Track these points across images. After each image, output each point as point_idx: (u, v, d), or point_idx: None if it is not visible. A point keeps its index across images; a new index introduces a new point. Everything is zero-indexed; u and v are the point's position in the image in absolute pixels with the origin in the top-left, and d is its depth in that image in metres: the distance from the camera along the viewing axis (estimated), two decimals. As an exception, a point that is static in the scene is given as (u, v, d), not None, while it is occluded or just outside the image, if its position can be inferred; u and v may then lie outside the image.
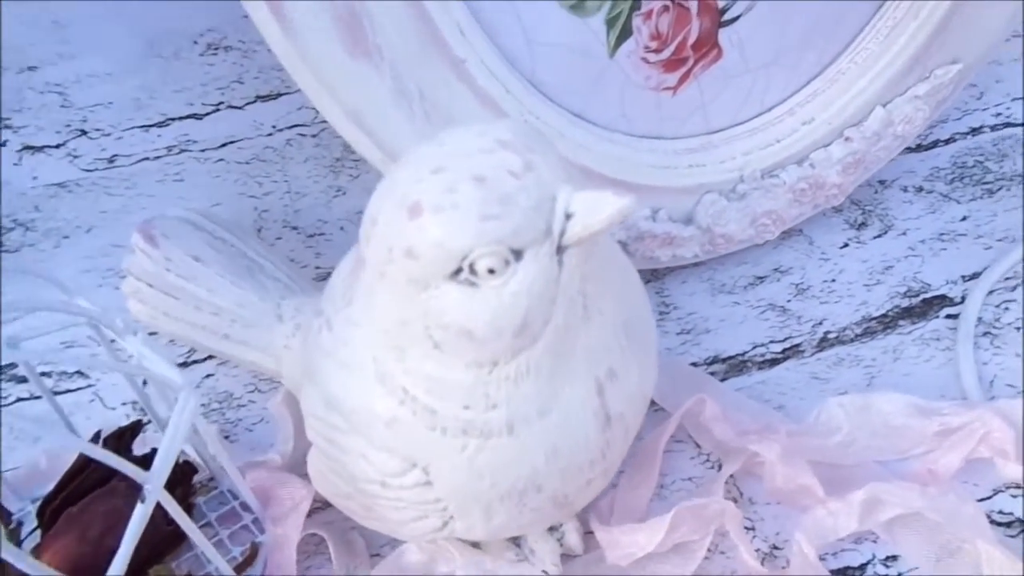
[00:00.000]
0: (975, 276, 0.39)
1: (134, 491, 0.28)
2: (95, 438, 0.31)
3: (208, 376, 0.38)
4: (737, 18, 0.34)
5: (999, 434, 0.30)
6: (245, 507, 0.33)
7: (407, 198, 0.21)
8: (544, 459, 0.24)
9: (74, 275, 0.37)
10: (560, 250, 0.22)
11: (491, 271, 0.21)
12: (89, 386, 0.37)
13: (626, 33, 0.33)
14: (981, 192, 0.42)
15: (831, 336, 0.37)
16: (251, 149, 0.38)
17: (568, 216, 0.21)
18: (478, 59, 0.30)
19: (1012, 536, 0.30)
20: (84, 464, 0.30)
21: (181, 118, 0.37)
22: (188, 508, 0.31)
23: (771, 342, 0.37)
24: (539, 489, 0.24)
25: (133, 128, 0.37)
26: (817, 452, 0.31)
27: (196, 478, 0.33)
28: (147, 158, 0.38)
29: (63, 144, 0.37)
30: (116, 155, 0.38)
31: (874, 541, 0.31)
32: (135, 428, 0.32)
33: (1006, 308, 0.37)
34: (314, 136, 0.38)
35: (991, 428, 0.31)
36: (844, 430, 0.32)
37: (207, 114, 0.37)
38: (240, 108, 0.37)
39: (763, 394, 0.35)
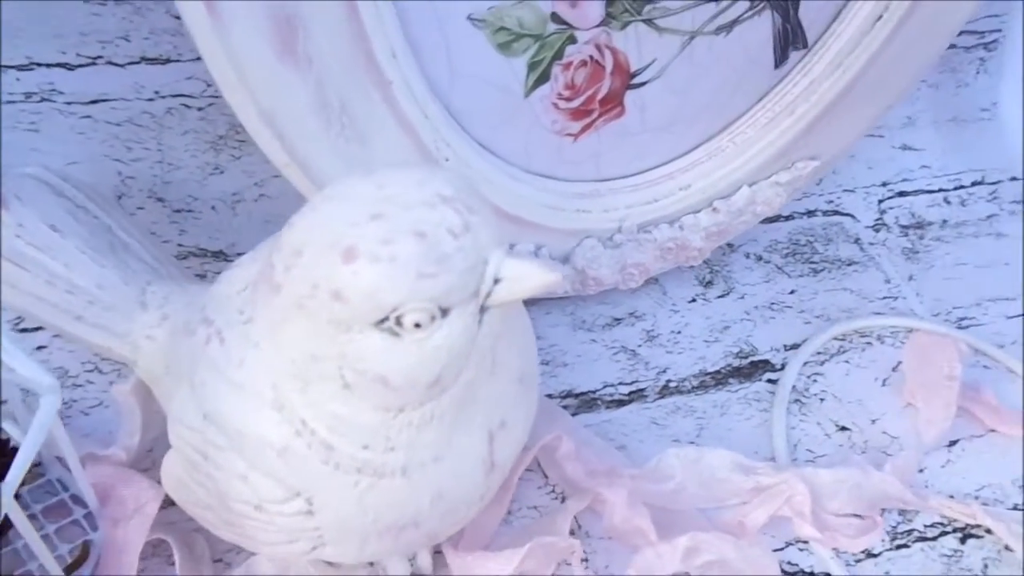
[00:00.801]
0: (794, 347, 0.44)
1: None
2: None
3: (40, 348, 0.35)
4: (645, 83, 0.36)
5: (800, 497, 0.35)
6: (76, 500, 0.31)
7: (341, 240, 0.21)
8: (429, 502, 0.24)
9: None
10: (482, 309, 0.23)
11: (417, 325, 0.21)
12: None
13: (544, 78, 0.34)
14: (808, 270, 0.48)
15: (671, 385, 0.41)
16: (126, 112, 0.35)
17: (496, 280, 0.22)
18: (404, 82, 0.30)
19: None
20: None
21: (49, 65, 0.33)
22: None
23: (620, 383, 0.40)
24: (417, 526, 0.25)
25: None
26: (653, 496, 0.34)
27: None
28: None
29: None
30: (-31, 91, 0.33)
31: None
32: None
33: (814, 380, 0.43)
34: (200, 110, 0.36)
35: (795, 491, 0.35)
36: (677, 478, 0.35)
37: (80, 66, 0.33)
38: (121, 66, 0.34)
39: (608, 432, 0.38)
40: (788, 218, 0.50)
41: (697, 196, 0.40)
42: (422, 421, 0.23)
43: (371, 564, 0.31)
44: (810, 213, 0.51)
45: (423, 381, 0.22)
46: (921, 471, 0.39)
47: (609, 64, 0.35)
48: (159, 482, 0.29)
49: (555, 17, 0.32)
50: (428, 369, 0.22)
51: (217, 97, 0.36)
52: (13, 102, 0.34)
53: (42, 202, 0.31)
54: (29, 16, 0.31)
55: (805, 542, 0.36)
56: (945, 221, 0.53)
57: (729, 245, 0.47)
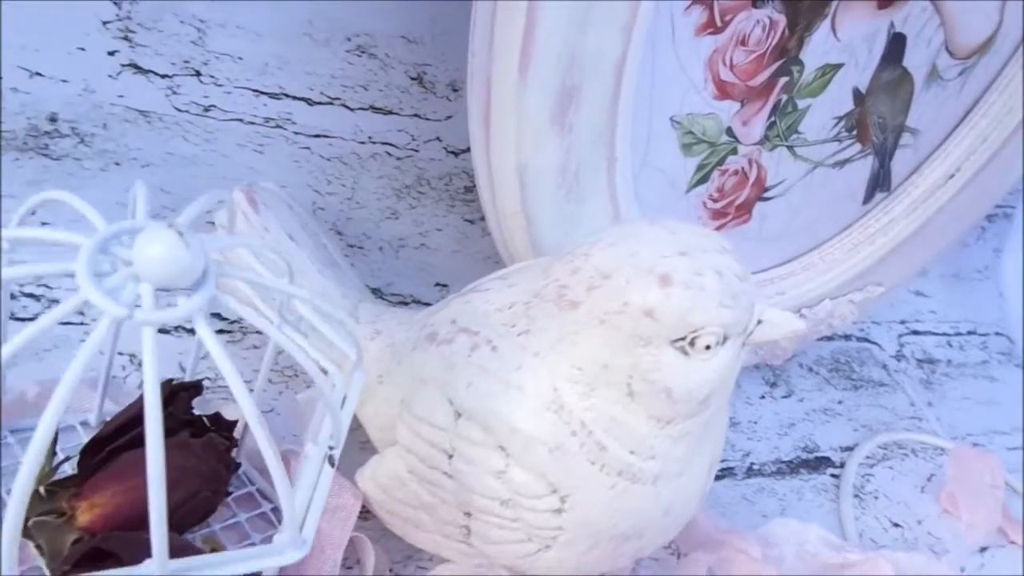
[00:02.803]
0: (848, 448, 0.49)
1: (208, 450, 0.27)
2: (164, 385, 0.29)
3: (203, 357, 0.36)
4: (771, 198, 0.42)
5: (884, 573, 0.39)
6: (263, 495, 0.32)
7: (657, 267, 0.25)
8: (662, 513, 0.28)
9: (104, 204, 0.34)
10: (743, 345, 0.27)
11: (707, 347, 0.25)
12: (82, 324, 0.34)
13: (704, 179, 0.40)
14: (849, 385, 0.54)
15: (755, 467, 0.45)
16: (340, 148, 0.38)
17: (759, 322, 0.27)
18: (624, 162, 0.35)
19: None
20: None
21: (294, 97, 0.36)
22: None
23: (713, 460, 0.44)
24: (640, 537, 0.28)
25: (245, 89, 0.36)
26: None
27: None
28: (241, 119, 0.36)
29: (170, 76, 0.34)
30: (214, 106, 0.36)
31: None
32: (198, 387, 0.30)
33: (868, 479, 0.48)
34: (398, 159, 0.40)
35: (881, 569, 0.39)
36: (780, 547, 0.39)
37: (320, 103, 0.37)
38: (351, 110, 0.38)
39: (709, 503, 0.42)
40: (830, 339, 0.57)
41: (789, 302, 0.46)
42: (680, 435, 0.27)
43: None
44: (847, 338, 0.58)
45: (698, 397, 0.26)
46: (962, 569, 0.44)
47: (753, 176, 0.41)
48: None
49: (729, 131, 0.38)
50: (705, 387, 0.26)
51: (415, 151, 0.40)
52: (253, 123, 0.37)
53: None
54: (297, 55, 0.35)
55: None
56: (950, 361, 0.61)
57: (785, 355, 0.53)
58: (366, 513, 0.33)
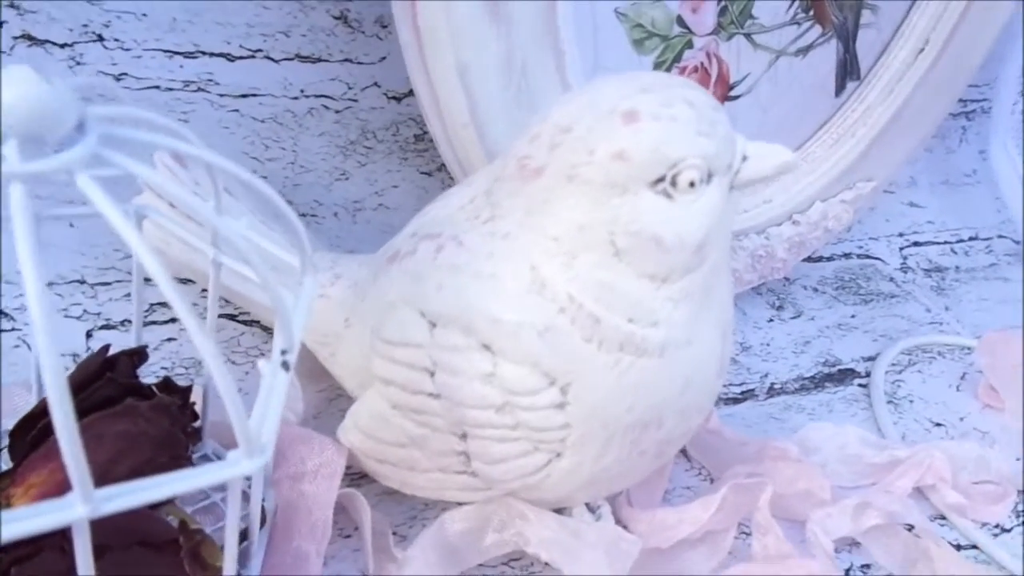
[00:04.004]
0: (870, 359, 0.46)
1: (159, 413, 0.24)
2: (101, 351, 0.26)
3: (169, 340, 0.33)
4: (739, 97, 0.40)
5: (940, 464, 0.36)
6: (238, 471, 0.29)
7: (619, 107, 0.23)
8: (679, 389, 0.24)
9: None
10: (730, 188, 0.24)
11: (691, 184, 0.23)
12: (14, 329, 0.31)
13: (663, 81, 0.37)
14: (859, 300, 0.51)
15: (776, 387, 0.42)
16: (271, 107, 0.36)
17: (744, 158, 0.24)
18: (573, 57, 0.32)
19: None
20: (87, 379, 0.25)
21: (211, 54, 0.34)
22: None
23: (731, 384, 0.41)
24: (660, 424, 0.25)
25: (156, 51, 0.33)
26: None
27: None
28: (158, 86, 0.34)
29: (70, 45, 0.32)
30: (125, 74, 0.33)
31: (849, 551, 0.34)
32: (141, 352, 0.27)
33: (898, 385, 0.45)
34: (337, 112, 0.37)
35: (933, 459, 0.36)
36: (823, 452, 0.36)
37: (240, 58, 0.35)
38: (276, 62, 0.35)
39: (733, 425, 0.38)
40: (829, 259, 0.54)
41: (778, 209, 0.44)
42: (681, 295, 0.24)
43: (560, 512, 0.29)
44: (847, 256, 0.55)
45: (691, 243, 0.23)
46: (1017, 460, 0.41)
47: (715, 72, 0.39)
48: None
49: (680, 21, 0.36)
50: (696, 231, 0.23)
51: (354, 100, 0.37)
52: (172, 89, 0.34)
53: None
54: (205, 4, 0.33)
55: (942, 517, 0.36)
56: (958, 267, 0.58)
57: (786, 279, 0.50)
58: (359, 479, 0.30)
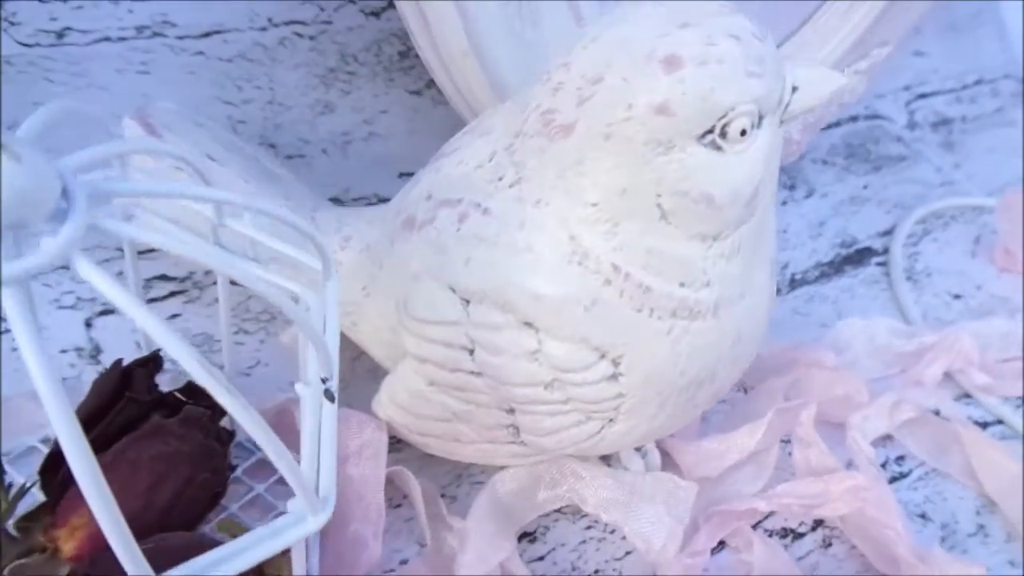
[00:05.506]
0: (886, 233, 0.45)
1: (189, 427, 0.23)
2: (115, 368, 0.24)
3: (174, 316, 0.32)
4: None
5: (968, 347, 0.36)
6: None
7: (657, 51, 0.20)
8: (730, 344, 0.23)
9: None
10: (780, 124, 0.22)
11: (743, 132, 0.20)
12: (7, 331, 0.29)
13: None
14: (870, 168, 0.49)
15: (797, 277, 0.41)
16: (238, 44, 0.32)
17: (794, 89, 0.22)
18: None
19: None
20: (106, 403, 0.23)
21: (164, -6, 0.30)
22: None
23: (752, 283, 0.40)
24: (713, 379, 0.24)
25: None
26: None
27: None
28: (108, 38, 0.30)
29: None
30: (68, 28, 0.29)
31: (884, 446, 0.34)
32: (156, 360, 0.25)
33: (915, 259, 0.44)
34: (311, 38, 0.33)
35: (961, 343, 0.36)
36: (854, 349, 0.35)
37: (196, -6, 0.30)
38: (238, -8, 0.31)
39: (758, 327, 0.38)
40: (836, 125, 0.52)
41: (791, 89, 0.41)
42: (731, 251, 0.22)
43: (609, 466, 0.29)
44: (853, 119, 0.52)
45: (744, 196, 0.21)
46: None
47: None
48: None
49: None
50: (749, 182, 0.21)
51: (328, 23, 0.33)
52: (124, 39, 0.30)
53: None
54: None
55: (968, 396, 0.37)
56: (964, 117, 0.56)
57: (796, 154, 0.48)
58: (399, 444, 0.29)
